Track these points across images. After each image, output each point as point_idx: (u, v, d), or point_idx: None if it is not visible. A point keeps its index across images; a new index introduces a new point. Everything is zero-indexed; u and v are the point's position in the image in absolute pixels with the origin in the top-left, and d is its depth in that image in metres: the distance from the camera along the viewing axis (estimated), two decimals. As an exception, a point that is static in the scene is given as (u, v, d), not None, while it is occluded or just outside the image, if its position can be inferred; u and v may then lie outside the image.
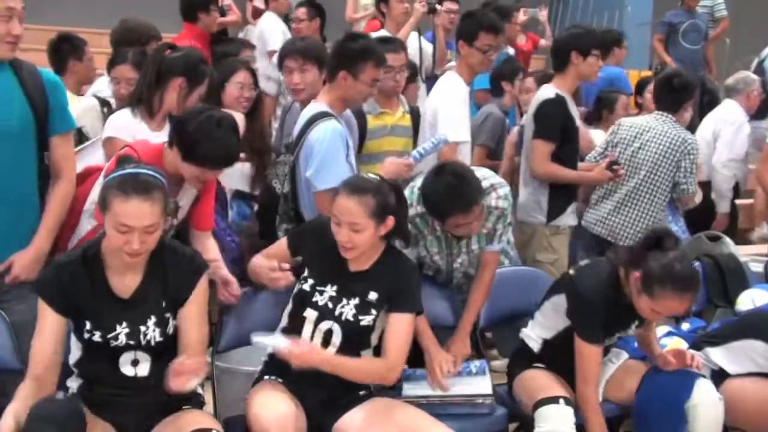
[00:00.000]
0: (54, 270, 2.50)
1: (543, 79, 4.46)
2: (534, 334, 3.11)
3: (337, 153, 3.17)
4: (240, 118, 3.45)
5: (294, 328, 2.76)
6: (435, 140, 3.49)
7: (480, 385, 3.05)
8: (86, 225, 2.91)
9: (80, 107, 3.97)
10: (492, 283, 3.24)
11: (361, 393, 2.76)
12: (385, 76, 3.91)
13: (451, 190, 2.89)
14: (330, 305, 2.72)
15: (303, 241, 2.87)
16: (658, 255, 2.77)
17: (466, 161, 3.76)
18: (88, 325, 2.44)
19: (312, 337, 2.72)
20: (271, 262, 2.87)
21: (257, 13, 8.23)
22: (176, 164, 2.82)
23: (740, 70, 6.06)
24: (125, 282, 2.48)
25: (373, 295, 2.73)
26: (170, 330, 2.50)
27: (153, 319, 2.47)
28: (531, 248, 3.97)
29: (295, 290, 2.81)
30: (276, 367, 2.73)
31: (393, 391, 2.92)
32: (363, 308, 2.72)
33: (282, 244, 2.94)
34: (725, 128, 5.35)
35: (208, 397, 2.92)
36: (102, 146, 3.32)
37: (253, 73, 3.88)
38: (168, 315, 2.49)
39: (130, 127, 3.24)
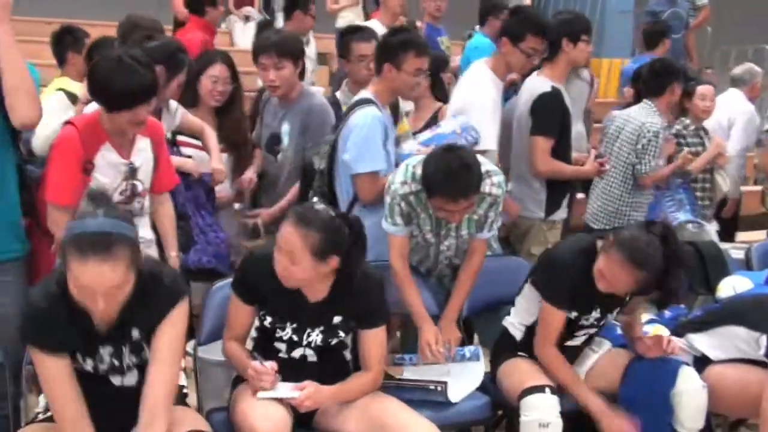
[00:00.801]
0: (37, 313, 2.26)
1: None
2: (516, 322, 3.11)
3: (375, 138, 3.26)
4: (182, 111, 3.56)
5: (267, 356, 2.72)
6: (466, 135, 3.49)
7: (474, 370, 3.07)
8: None
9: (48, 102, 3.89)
10: (479, 270, 3.23)
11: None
12: (357, 66, 3.92)
13: (448, 172, 2.88)
14: (295, 338, 2.72)
15: (251, 288, 2.72)
16: (637, 229, 2.79)
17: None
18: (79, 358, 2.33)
19: (289, 362, 2.72)
20: (260, 368, 2.65)
21: (239, 3, 8.20)
22: (109, 120, 2.85)
23: (719, 59, 6.21)
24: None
25: (337, 319, 2.72)
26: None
27: (128, 347, 2.36)
28: (527, 242, 3.95)
29: (256, 323, 2.77)
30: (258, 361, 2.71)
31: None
32: (330, 332, 2.72)
33: (235, 306, 2.76)
34: (740, 117, 5.57)
35: (191, 388, 2.92)
36: None
37: (232, 67, 3.84)
38: (144, 345, 2.37)
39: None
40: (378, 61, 3.39)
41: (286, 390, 2.63)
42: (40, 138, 3.58)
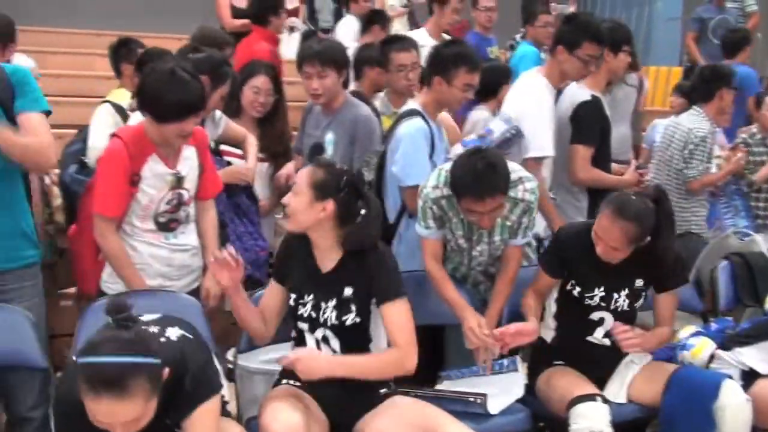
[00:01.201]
0: (69, 410, 2.08)
1: None
2: (547, 323, 3.13)
3: (419, 150, 3.32)
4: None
5: (299, 342, 2.76)
6: (507, 131, 3.48)
7: (514, 380, 3.05)
8: None
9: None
10: (516, 276, 3.21)
11: (382, 391, 2.73)
12: (397, 75, 3.92)
13: (474, 173, 2.88)
14: (314, 314, 2.70)
15: (282, 264, 2.81)
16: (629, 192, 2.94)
17: (548, 174, 3.76)
18: None
19: (318, 347, 2.71)
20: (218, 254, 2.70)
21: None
22: (157, 131, 2.88)
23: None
24: None
25: (348, 291, 2.67)
26: None
27: None
28: None
29: (290, 305, 2.78)
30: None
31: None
32: (342, 307, 2.67)
33: (268, 287, 2.84)
34: None
35: (230, 397, 2.92)
36: None
37: (275, 78, 3.87)
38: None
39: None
40: (428, 73, 3.42)
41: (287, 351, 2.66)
42: (94, 150, 3.64)
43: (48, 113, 2.84)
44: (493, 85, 4.68)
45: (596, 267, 2.97)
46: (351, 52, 4.32)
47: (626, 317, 3.07)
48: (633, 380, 3.06)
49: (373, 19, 5.61)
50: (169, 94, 2.81)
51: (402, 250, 3.38)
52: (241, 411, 2.97)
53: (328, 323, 2.69)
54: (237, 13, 5.83)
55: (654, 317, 3.15)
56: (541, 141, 3.63)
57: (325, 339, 2.71)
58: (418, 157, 3.30)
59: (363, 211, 2.66)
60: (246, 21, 5.50)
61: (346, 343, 2.70)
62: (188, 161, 3.03)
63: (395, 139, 3.37)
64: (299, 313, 2.73)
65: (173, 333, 2.20)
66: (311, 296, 2.71)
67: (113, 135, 2.98)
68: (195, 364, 2.17)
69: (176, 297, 2.93)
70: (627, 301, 3.03)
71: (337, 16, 7.31)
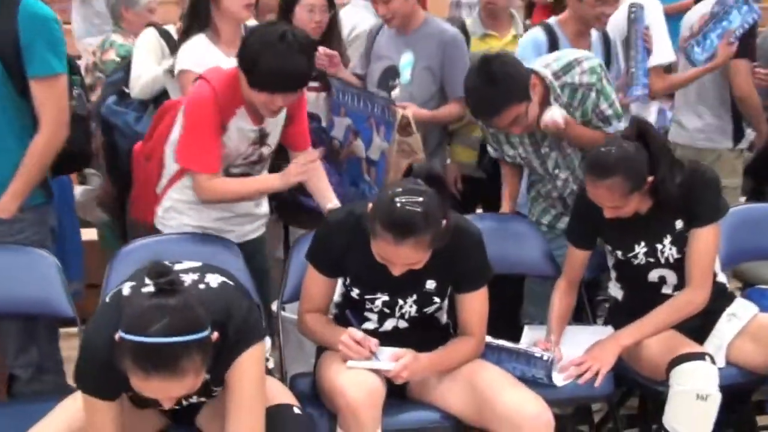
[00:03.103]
0: (96, 362, 1.97)
1: None
2: (614, 283, 2.84)
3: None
4: None
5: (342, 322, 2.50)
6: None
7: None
8: (173, 163, 2.74)
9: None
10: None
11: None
12: None
13: (472, 91, 2.77)
14: (387, 310, 2.46)
15: (330, 257, 2.46)
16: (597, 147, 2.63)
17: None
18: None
19: (379, 334, 2.47)
20: (359, 335, 2.39)
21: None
22: (248, 92, 2.56)
23: None
24: None
25: (431, 284, 2.43)
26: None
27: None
28: None
29: (341, 290, 2.53)
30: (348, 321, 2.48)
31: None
32: (424, 300, 2.46)
33: (313, 278, 2.50)
34: None
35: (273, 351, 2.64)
36: (176, 80, 3.07)
37: None
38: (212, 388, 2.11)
39: (202, 54, 2.95)
40: None
41: (381, 359, 2.37)
42: (139, 81, 3.32)
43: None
44: None
45: (627, 223, 2.64)
46: None
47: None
48: (735, 339, 2.67)
49: None
50: (269, 58, 2.46)
51: None
52: (285, 368, 2.72)
53: (407, 316, 2.48)
54: None
55: (687, 273, 2.67)
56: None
57: (395, 328, 2.49)
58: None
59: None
60: None
61: (420, 327, 2.51)
62: (275, 118, 2.71)
63: None
64: (366, 306, 2.48)
65: (213, 279, 2.02)
66: (384, 294, 2.44)
67: (200, 77, 2.65)
68: (238, 311, 2.00)
69: (221, 243, 2.74)
70: (674, 248, 2.66)
71: None
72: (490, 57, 2.79)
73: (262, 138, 2.70)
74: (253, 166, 2.77)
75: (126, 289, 1.95)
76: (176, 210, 2.77)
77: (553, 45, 3.20)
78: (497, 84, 2.69)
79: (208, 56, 2.93)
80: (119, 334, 1.81)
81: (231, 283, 2.06)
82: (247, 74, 2.52)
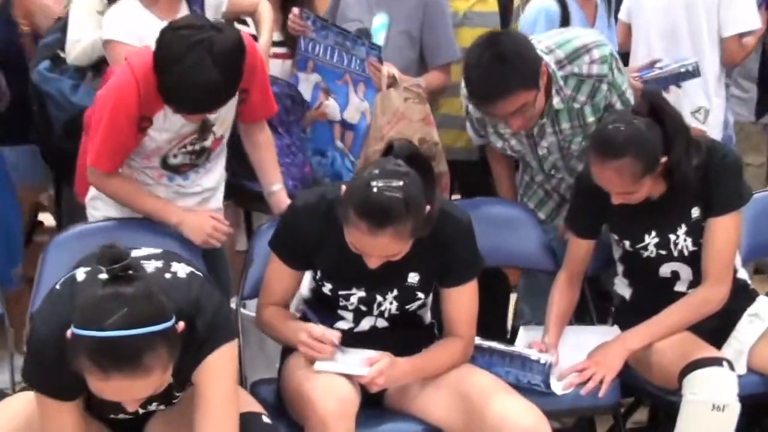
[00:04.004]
0: (44, 358, 1.83)
1: None
2: (621, 280, 2.68)
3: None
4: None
5: (325, 324, 2.30)
6: (683, 66, 3.14)
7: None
8: None
9: None
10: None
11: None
12: None
13: (477, 68, 2.49)
14: (363, 307, 2.29)
15: (297, 247, 2.28)
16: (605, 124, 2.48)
17: None
18: None
19: (355, 334, 2.32)
20: (317, 331, 2.22)
21: None
22: None
23: None
24: None
25: (413, 277, 2.26)
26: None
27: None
28: (737, 151, 3.41)
29: (311, 285, 2.35)
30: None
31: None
32: (406, 296, 2.29)
33: (276, 268, 2.32)
34: None
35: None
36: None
37: None
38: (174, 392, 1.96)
39: (132, 20, 2.64)
40: None
41: (353, 363, 2.19)
42: (77, 46, 2.98)
43: None
44: None
45: (636, 210, 2.47)
46: None
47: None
48: (757, 342, 2.50)
49: None
50: (172, 74, 2.19)
51: None
52: (244, 373, 2.49)
53: (386, 314, 2.31)
54: None
55: (703, 268, 2.50)
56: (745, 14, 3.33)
57: (373, 327, 2.32)
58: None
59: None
60: None
61: (400, 326, 2.34)
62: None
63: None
64: (340, 304, 2.31)
65: (181, 269, 1.87)
66: (360, 289, 2.27)
67: (126, 61, 2.36)
68: (208, 305, 1.85)
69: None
70: (689, 239, 2.52)
71: None
72: (499, 33, 2.65)
73: (203, 130, 2.40)
74: (196, 157, 2.48)
75: (80, 275, 1.79)
76: (102, 200, 2.53)
77: (565, 18, 3.04)
78: (507, 63, 2.45)
79: (139, 24, 2.61)
80: (71, 330, 1.65)
81: (199, 274, 1.90)
82: (158, 84, 2.25)
